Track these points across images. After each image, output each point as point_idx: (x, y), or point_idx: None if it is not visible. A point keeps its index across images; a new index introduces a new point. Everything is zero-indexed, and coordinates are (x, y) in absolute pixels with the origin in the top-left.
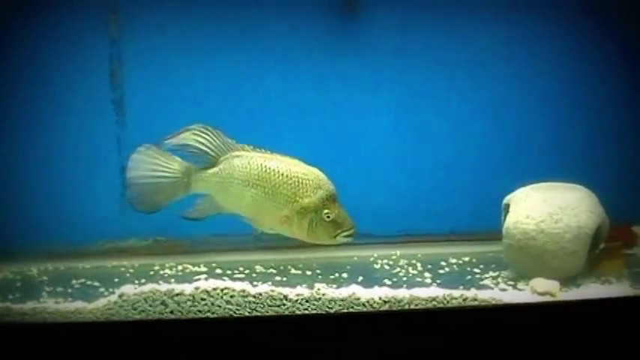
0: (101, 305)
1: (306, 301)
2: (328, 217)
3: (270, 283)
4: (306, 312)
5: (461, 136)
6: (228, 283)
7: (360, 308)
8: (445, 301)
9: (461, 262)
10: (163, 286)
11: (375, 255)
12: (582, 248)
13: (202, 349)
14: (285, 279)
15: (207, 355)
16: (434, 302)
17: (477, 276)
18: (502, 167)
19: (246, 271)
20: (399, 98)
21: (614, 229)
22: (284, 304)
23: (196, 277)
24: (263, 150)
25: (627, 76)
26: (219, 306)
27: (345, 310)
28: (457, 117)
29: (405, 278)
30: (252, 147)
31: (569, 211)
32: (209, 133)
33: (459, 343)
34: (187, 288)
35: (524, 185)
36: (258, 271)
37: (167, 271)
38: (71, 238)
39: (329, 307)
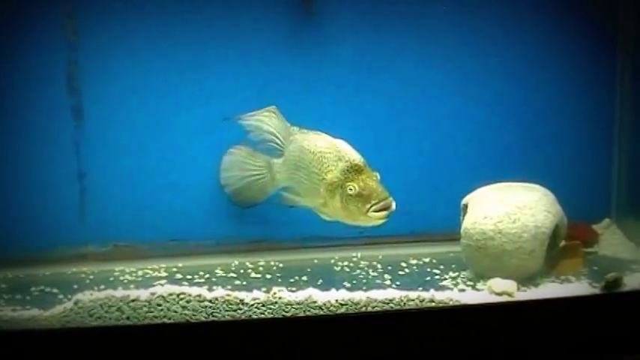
0: (57, 312)
1: (263, 306)
2: (351, 190)
3: (229, 287)
4: (263, 316)
5: (420, 137)
6: (184, 288)
7: (317, 311)
8: (402, 303)
9: (421, 263)
10: (119, 292)
11: (336, 257)
12: (540, 247)
13: (159, 354)
14: (244, 283)
15: None
16: (391, 304)
17: (437, 277)
18: (461, 167)
19: (207, 276)
20: (359, 99)
21: (574, 228)
22: (240, 309)
23: (156, 283)
24: (303, 129)
25: (585, 74)
26: (176, 311)
27: (301, 314)
28: (416, 117)
29: (364, 280)
30: (297, 128)
31: (526, 211)
32: (276, 116)
33: (416, 345)
34: (143, 294)
35: (483, 185)
36: (218, 275)
37: (127, 276)
38: (30, 245)
39: (285, 311)
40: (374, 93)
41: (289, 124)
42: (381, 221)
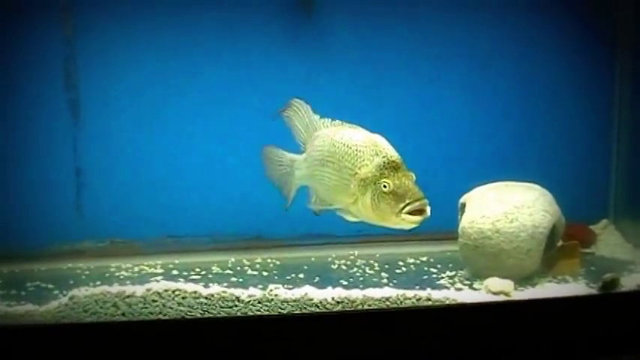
0: (52, 308)
1: (259, 302)
2: (385, 187)
3: (225, 284)
4: (259, 313)
5: (416, 135)
6: (179, 284)
7: (313, 309)
8: (399, 302)
9: (418, 261)
10: (114, 288)
11: (333, 255)
12: (537, 247)
13: (154, 351)
14: (241, 280)
15: (159, 357)
16: (387, 302)
17: (434, 275)
18: (459, 166)
19: (203, 272)
20: (353, 98)
21: (572, 228)
22: (236, 306)
23: (152, 279)
24: (339, 122)
25: (584, 75)
26: (171, 308)
27: (297, 311)
28: (413, 116)
29: (361, 278)
30: (329, 120)
31: (524, 211)
32: (302, 111)
33: (412, 343)
34: (139, 290)
35: (481, 185)
36: (214, 272)
37: (123, 272)
38: (26, 241)
39: (281, 308)
40: (370, 93)
41: (316, 117)
42: (414, 225)
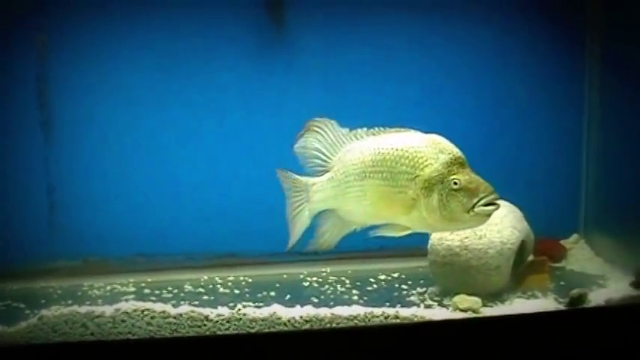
0: (22, 328)
1: (227, 322)
2: (456, 183)
3: (197, 302)
4: (227, 332)
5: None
6: (148, 304)
7: (281, 328)
8: (367, 319)
9: (390, 278)
10: (83, 308)
11: (305, 272)
12: (506, 263)
13: None
14: (212, 298)
15: None
16: (355, 321)
17: (405, 292)
18: None
19: (175, 291)
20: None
21: (543, 243)
22: (205, 325)
23: (124, 298)
24: (377, 130)
25: (553, 91)
26: (140, 327)
27: (266, 330)
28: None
29: (332, 296)
30: (365, 130)
31: (492, 227)
32: (325, 129)
33: None
34: (108, 310)
35: None
36: (186, 290)
37: (95, 291)
38: None
39: (250, 327)
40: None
41: (344, 131)
42: (485, 220)
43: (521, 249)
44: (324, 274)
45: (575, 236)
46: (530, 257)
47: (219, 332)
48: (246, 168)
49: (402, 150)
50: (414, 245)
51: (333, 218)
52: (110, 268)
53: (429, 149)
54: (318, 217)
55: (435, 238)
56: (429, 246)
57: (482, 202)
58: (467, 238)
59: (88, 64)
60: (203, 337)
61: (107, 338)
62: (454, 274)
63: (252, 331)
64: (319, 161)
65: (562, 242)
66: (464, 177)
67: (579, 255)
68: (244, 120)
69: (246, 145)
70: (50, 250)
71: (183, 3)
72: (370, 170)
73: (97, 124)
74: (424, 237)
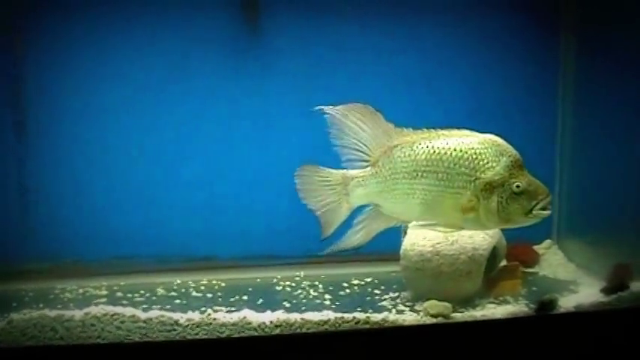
0: None
1: (197, 327)
2: (518, 187)
3: (169, 306)
4: (197, 337)
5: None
6: (117, 308)
7: (251, 333)
8: (337, 325)
9: (363, 282)
10: (53, 312)
11: (279, 276)
12: (477, 269)
13: None
14: (185, 302)
15: None
16: (326, 326)
17: (377, 297)
18: None
19: (147, 295)
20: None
21: (516, 248)
22: (175, 330)
23: (96, 301)
24: (426, 130)
25: (526, 97)
26: (110, 332)
27: (235, 335)
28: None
29: (304, 300)
30: (411, 129)
31: (464, 233)
32: (369, 116)
33: None
34: (77, 314)
35: None
36: (159, 294)
37: (67, 294)
38: None
39: (220, 332)
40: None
41: (390, 126)
42: (539, 219)
43: (493, 254)
44: (297, 278)
45: (548, 241)
46: (503, 262)
47: (188, 337)
48: (221, 171)
49: (461, 151)
50: (389, 250)
51: (372, 214)
52: (83, 271)
53: (490, 151)
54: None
55: (407, 243)
56: (401, 251)
57: (540, 205)
58: (439, 243)
59: (63, 65)
60: (172, 341)
61: (76, 342)
62: (426, 279)
63: (222, 336)
64: (360, 153)
65: (535, 247)
66: (524, 180)
67: (552, 260)
68: (220, 122)
69: (221, 147)
70: (23, 253)
71: (158, 4)
72: (423, 170)
73: (71, 126)
74: (398, 242)
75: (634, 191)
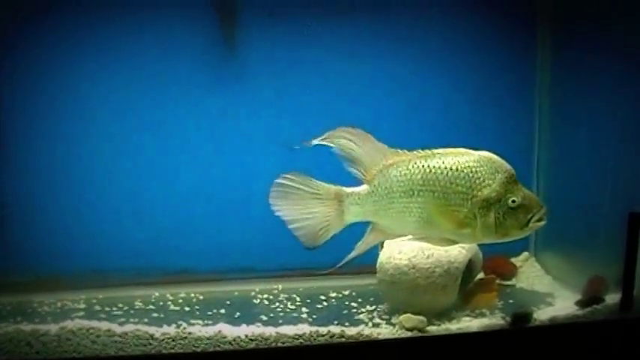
0: None
1: (173, 340)
2: (514, 202)
3: (146, 320)
4: (172, 351)
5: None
6: (93, 322)
7: (227, 347)
8: (312, 339)
9: (340, 295)
10: (29, 326)
11: (257, 289)
12: (453, 283)
13: None
14: (162, 316)
15: None
16: (301, 340)
17: (354, 310)
18: None
19: (125, 308)
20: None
21: (493, 261)
22: (150, 344)
23: (73, 315)
24: (421, 150)
25: (504, 107)
26: (85, 346)
27: (210, 349)
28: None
29: (282, 314)
30: (406, 150)
31: (439, 247)
32: (359, 138)
33: None
34: (53, 328)
35: None
36: (137, 307)
37: (45, 308)
38: None
39: (195, 346)
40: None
41: (383, 146)
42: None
43: (469, 268)
44: (275, 291)
45: (525, 254)
46: (480, 275)
47: (164, 351)
48: (198, 185)
49: (457, 170)
50: (367, 262)
51: (369, 228)
52: (62, 285)
53: (485, 169)
54: None
55: (383, 256)
56: (377, 264)
57: (535, 217)
58: (415, 257)
59: (37, 79)
60: (148, 355)
61: (52, 357)
62: (402, 293)
63: (198, 350)
64: (356, 171)
65: (512, 260)
66: (519, 194)
67: (529, 273)
68: (197, 137)
69: (199, 161)
70: (1, 266)
71: (135, 14)
72: (419, 189)
73: (48, 139)
74: (375, 255)
75: (609, 205)
